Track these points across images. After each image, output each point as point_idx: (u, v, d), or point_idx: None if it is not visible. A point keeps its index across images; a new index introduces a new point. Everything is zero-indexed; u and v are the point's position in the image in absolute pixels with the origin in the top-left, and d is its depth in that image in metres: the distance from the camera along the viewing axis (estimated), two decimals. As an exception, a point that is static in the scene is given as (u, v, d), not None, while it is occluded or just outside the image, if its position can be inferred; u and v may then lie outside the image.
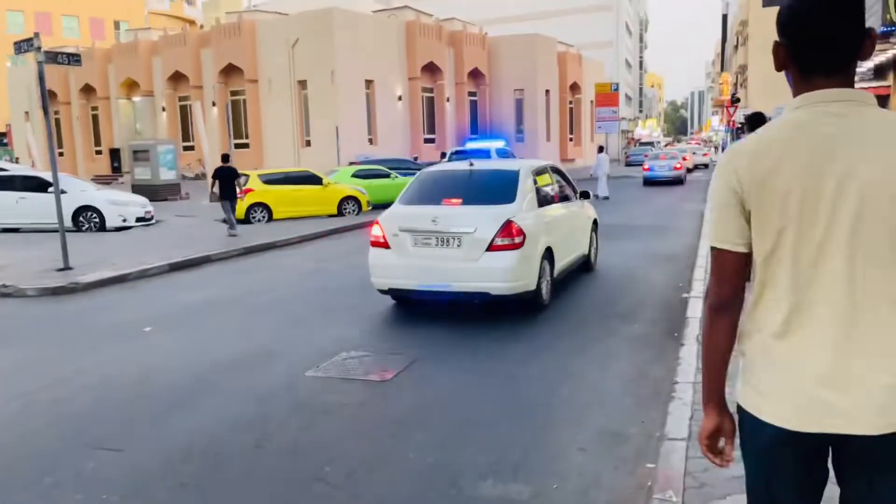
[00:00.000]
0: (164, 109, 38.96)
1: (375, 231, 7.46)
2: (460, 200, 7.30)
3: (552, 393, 4.94)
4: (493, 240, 6.86)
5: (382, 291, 7.56)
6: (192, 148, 37.94)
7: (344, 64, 32.34)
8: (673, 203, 20.61)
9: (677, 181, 28.44)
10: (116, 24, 61.04)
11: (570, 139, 49.30)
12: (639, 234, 13.19)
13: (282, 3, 41.66)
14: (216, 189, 14.82)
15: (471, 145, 25.45)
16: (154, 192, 25.82)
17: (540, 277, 7.26)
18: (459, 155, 20.50)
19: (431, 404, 4.79)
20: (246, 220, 18.04)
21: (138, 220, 17.42)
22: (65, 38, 55.30)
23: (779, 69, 1.70)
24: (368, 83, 34.13)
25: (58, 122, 45.29)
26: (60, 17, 60.05)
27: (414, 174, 23.15)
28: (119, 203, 17.18)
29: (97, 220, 16.63)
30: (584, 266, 9.46)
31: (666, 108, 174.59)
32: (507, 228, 6.88)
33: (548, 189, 8.22)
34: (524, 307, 7.25)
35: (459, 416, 4.56)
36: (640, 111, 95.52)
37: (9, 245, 13.83)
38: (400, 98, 36.03)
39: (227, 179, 14.80)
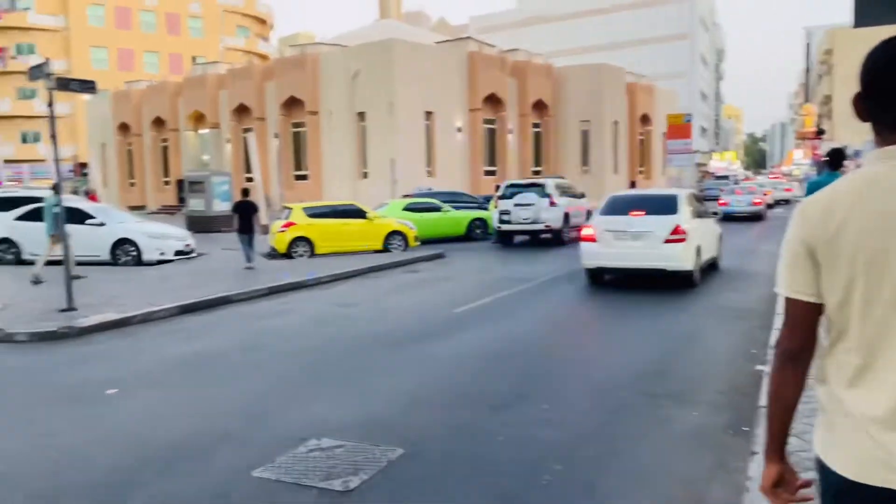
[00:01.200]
0: (228, 141, 39.42)
1: (587, 231, 11.24)
2: (643, 212, 10.88)
3: (564, 526, 3.57)
4: (667, 236, 10.43)
5: (589, 269, 11.37)
6: (254, 179, 38.12)
7: (403, 95, 31.76)
8: (751, 243, 18.67)
9: (756, 217, 26.81)
10: (194, 59, 63.18)
11: (641, 171, 47.27)
12: (707, 282, 11.54)
13: (347, 37, 41.83)
14: (235, 223, 14.78)
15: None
16: (207, 223, 25.67)
17: (694, 264, 10.79)
18: (513, 188, 19.36)
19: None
20: (287, 255, 17.30)
21: (177, 253, 16.88)
22: (145, 73, 57.56)
23: (861, 120, 1.63)
24: (428, 114, 33.43)
25: (130, 153, 46.76)
26: (142, 54, 62.68)
27: (475, 208, 22.63)
28: (157, 236, 16.69)
29: (135, 253, 16.17)
30: (712, 266, 12.65)
31: (745, 141, 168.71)
32: (676, 230, 10.48)
33: (695, 208, 11.74)
34: (683, 283, 10.77)
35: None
36: (717, 144, 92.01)
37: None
38: (460, 129, 35.16)
39: (244, 214, 14.68)
